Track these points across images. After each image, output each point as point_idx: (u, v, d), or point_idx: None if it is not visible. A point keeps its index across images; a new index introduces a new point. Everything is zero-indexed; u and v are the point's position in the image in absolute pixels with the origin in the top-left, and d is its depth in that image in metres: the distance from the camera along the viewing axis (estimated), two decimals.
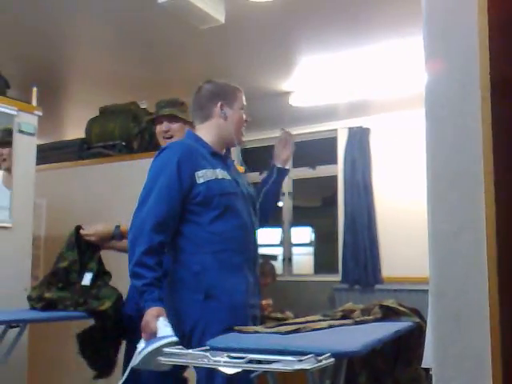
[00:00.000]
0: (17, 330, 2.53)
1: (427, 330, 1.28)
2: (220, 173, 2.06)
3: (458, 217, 1.20)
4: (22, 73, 4.12)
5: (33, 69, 4.36)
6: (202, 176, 2.00)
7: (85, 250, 2.56)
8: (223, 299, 1.91)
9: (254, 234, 2.14)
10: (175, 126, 2.67)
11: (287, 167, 2.44)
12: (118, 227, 2.54)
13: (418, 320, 1.94)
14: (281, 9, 3.41)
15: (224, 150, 2.22)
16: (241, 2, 3.26)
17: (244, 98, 2.25)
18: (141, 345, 1.83)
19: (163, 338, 1.79)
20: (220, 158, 2.16)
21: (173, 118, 2.68)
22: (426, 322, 1.98)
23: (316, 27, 3.75)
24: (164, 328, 1.82)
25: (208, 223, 1.98)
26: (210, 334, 1.70)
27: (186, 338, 1.89)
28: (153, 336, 1.79)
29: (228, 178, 2.09)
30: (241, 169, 2.76)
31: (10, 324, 2.47)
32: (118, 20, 3.65)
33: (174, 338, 1.77)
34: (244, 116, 2.22)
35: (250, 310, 1.98)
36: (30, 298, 2.61)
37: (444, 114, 1.27)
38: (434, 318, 1.23)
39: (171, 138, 2.62)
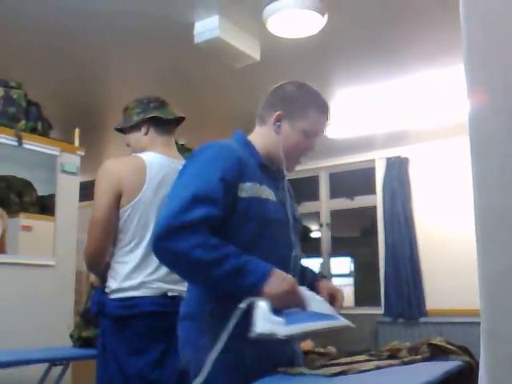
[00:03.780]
0: (60, 368, 2.56)
1: (480, 373, 1.22)
2: (265, 191, 1.63)
3: (509, 255, 1.15)
4: (64, 114, 4.25)
5: (75, 110, 4.50)
6: (246, 190, 1.57)
7: None
8: (232, 351, 1.47)
9: (294, 269, 1.69)
10: (128, 136, 2.34)
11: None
12: None
13: (467, 359, 1.87)
14: (314, 44, 3.44)
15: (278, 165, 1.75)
16: (275, 40, 3.30)
17: (321, 123, 1.73)
18: (276, 317, 1.41)
19: (334, 317, 1.47)
20: (269, 172, 1.71)
21: (121, 132, 2.38)
22: (475, 360, 1.91)
23: (350, 60, 3.77)
24: (323, 302, 1.48)
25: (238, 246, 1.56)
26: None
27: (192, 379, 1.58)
28: (295, 306, 1.45)
29: (273, 199, 1.66)
30: None
31: (53, 362, 2.50)
32: (156, 60, 3.75)
33: (347, 322, 1.49)
34: (305, 142, 1.70)
35: (275, 358, 1.58)
36: (71, 337, 2.64)
37: (490, 150, 1.22)
38: (487, 360, 1.17)
39: (131, 149, 2.33)
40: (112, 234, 2.13)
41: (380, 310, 5.52)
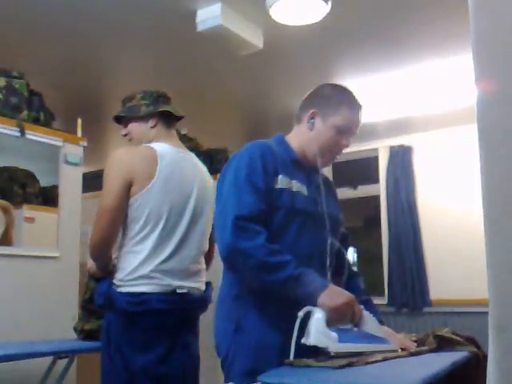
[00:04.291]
0: (65, 360, 2.55)
1: (489, 365, 1.21)
2: (295, 185, 1.71)
3: None
4: (66, 104, 4.23)
5: (77, 100, 4.47)
6: (279, 182, 1.67)
7: None
8: (252, 335, 1.60)
9: (323, 264, 1.72)
10: (130, 126, 2.32)
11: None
12: None
13: (474, 349, 1.86)
14: (318, 32, 3.40)
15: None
16: (278, 27, 3.27)
17: (352, 120, 1.79)
18: (331, 332, 1.44)
19: (384, 341, 1.49)
20: (302, 168, 1.79)
21: (121, 120, 2.37)
22: (482, 351, 1.89)
23: (354, 49, 3.74)
24: (376, 324, 1.49)
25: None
26: (234, 372, 1.57)
27: (221, 363, 1.71)
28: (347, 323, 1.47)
29: (304, 193, 1.72)
30: None
31: (59, 355, 2.49)
32: (159, 49, 3.72)
33: (395, 346, 1.51)
34: (336, 137, 1.77)
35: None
36: (75, 330, 2.64)
37: (497, 138, 1.20)
38: (496, 352, 1.16)
39: (131, 140, 2.34)
40: (120, 224, 2.11)
41: (383, 300, 5.51)
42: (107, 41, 3.58)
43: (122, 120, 2.36)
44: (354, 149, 5.92)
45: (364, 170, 6.10)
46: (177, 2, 3.07)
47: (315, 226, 1.73)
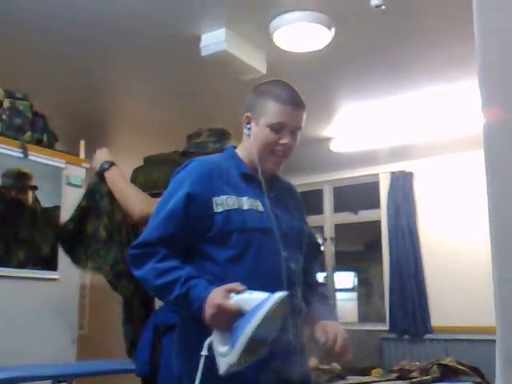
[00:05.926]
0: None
1: None
2: (247, 202, 1.59)
3: None
4: (69, 126, 4.23)
5: (80, 122, 4.48)
6: (221, 204, 1.56)
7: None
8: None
9: (292, 283, 1.60)
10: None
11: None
12: (109, 164, 2.41)
13: (478, 380, 1.84)
14: (321, 58, 3.43)
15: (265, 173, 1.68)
16: (281, 53, 3.30)
17: (283, 113, 1.62)
18: (221, 347, 1.38)
19: (266, 300, 1.35)
20: (254, 181, 1.66)
21: (186, 154, 2.46)
22: (486, 381, 1.87)
23: (356, 75, 3.77)
24: (250, 297, 1.38)
25: (223, 263, 1.55)
26: None
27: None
28: (234, 319, 1.37)
29: (259, 209, 1.61)
30: None
31: (57, 379, 2.46)
32: (162, 73, 3.74)
33: (282, 293, 1.37)
34: (272, 136, 1.63)
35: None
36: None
37: (506, 167, 1.20)
38: None
39: None
40: None
41: (385, 326, 5.46)
42: (111, 64, 3.61)
43: (187, 154, 2.47)
44: (355, 174, 5.94)
45: (365, 195, 6.11)
46: (181, 26, 3.10)
47: (275, 244, 1.59)
